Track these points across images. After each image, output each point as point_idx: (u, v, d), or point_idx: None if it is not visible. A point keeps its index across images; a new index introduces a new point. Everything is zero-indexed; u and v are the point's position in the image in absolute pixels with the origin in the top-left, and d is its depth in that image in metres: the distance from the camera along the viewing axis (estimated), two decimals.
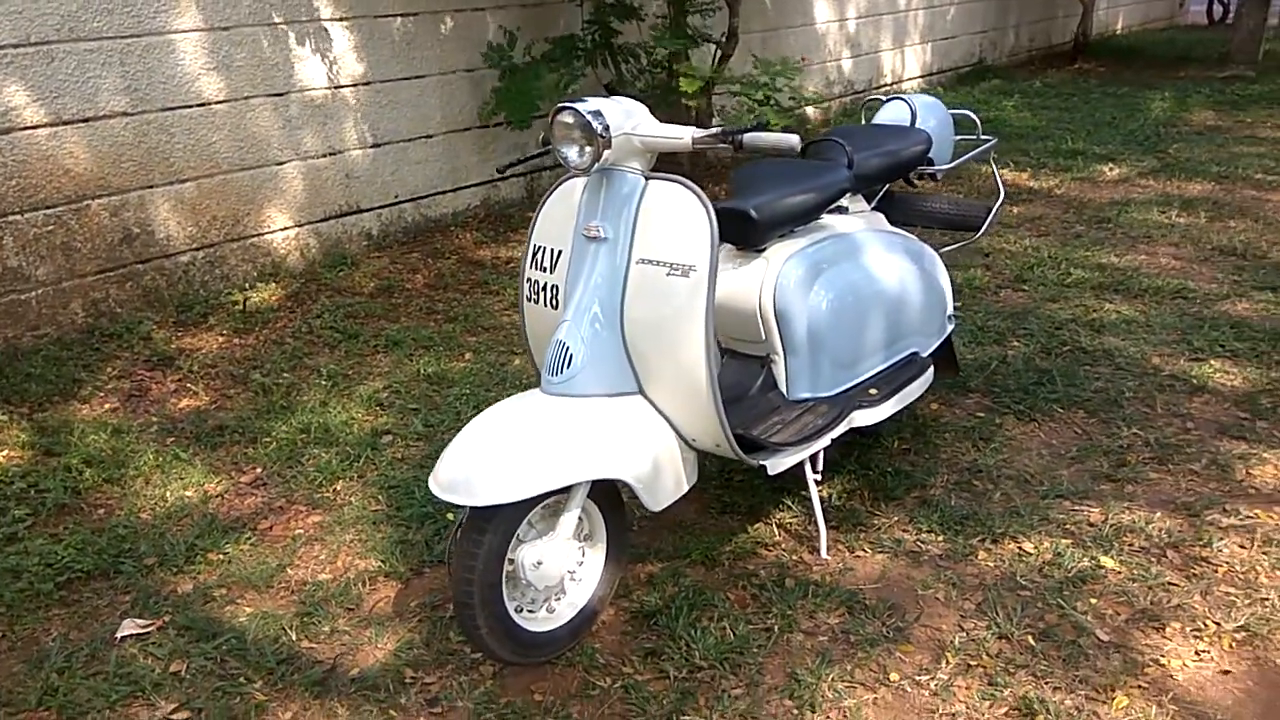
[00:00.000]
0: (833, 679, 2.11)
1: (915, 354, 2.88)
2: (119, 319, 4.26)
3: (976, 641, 2.21)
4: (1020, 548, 2.53)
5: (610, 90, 5.64)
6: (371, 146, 5.13)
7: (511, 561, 2.05)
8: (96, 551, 2.67)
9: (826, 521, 2.60)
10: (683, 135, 2.11)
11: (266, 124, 4.69)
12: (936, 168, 3.06)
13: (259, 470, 3.11)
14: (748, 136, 2.11)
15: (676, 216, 2.13)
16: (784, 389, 2.59)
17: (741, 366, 2.68)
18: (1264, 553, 2.45)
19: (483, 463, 1.96)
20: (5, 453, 3.25)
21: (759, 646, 2.22)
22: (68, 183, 4.08)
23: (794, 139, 2.08)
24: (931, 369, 2.88)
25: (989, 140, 3.23)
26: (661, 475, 2.19)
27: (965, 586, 2.39)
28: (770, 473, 2.37)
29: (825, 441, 2.49)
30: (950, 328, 3.07)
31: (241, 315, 4.34)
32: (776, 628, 2.28)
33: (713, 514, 2.75)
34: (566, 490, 2.09)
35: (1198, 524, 2.57)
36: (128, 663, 2.25)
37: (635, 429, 2.15)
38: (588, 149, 2.06)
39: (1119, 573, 2.40)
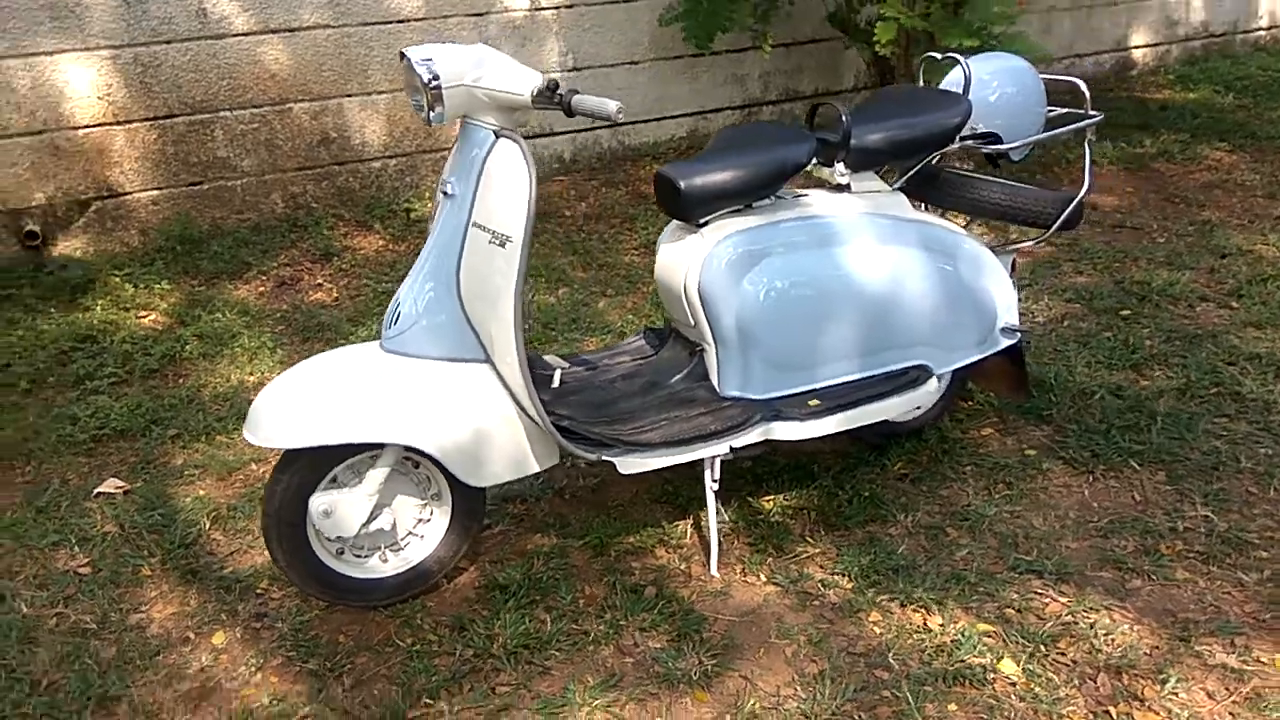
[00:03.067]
0: (596, 707, 1.92)
1: (922, 368, 2.44)
2: (313, 212, 4.77)
3: (780, 713, 1.89)
4: (925, 621, 2.10)
5: (839, 27, 5.19)
6: (571, 70, 5.18)
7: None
8: (141, 414, 3.08)
9: (746, 536, 2.33)
10: (521, 91, 1.93)
11: (465, 42, 4.88)
12: (1004, 146, 2.50)
13: None
14: (575, 99, 1.88)
15: (506, 180, 1.98)
16: (715, 382, 2.33)
17: (675, 351, 2.45)
18: (1231, 715, 1.82)
19: (280, 405, 1.99)
20: (151, 316, 3.82)
21: (560, 650, 2.07)
22: (272, 86, 4.57)
23: (612, 106, 1.84)
24: (931, 387, 2.43)
25: (1093, 116, 2.57)
26: (486, 452, 2.09)
27: (825, 648, 2.05)
28: (621, 470, 2.17)
29: (712, 450, 2.22)
30: (1005, 343, 2.55)
31: (405, 223, 4.66)
32: (595, 634, 2.11)
33: (645, 501, 2.57)
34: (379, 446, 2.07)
35: (1175, 653, 1.97)
36: (83, 515, 2.60)
37: (460, 399, 2.06)
38: (422, 100, 1.96)
39: (1012, 684, 1.91)
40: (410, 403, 2.02)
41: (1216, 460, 2.57)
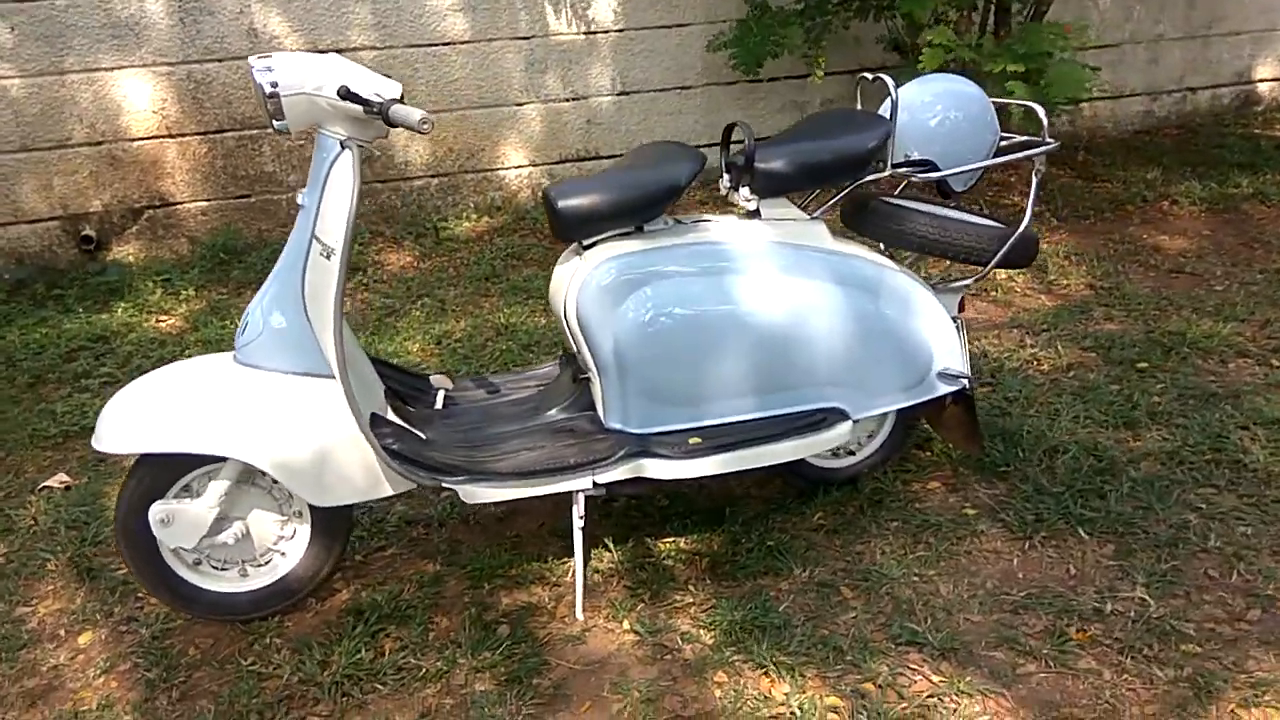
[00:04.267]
0: None
1: (835, 411, 2.24)
2: (357, 228, 4.88)
3: None
4: (770, 689, 1.90)
5: (900, 52, 4.95)
6: (619, 94, 5.14)
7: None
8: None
9: (629, 578, 2.21)
10: (371, 100, 1.88)
11: (509, 65, 4.94)
12: (939, 173, 2.28)
13: None
14: (392, 109, 1.82)
15: (337, 191, 1.94)
16: (600, 413, 2.21)
17: (564, 379, 2.34)
18: None
19: (124, 412, 2.00)
20: (169, 321, 3.99)
21: (386, 683, 1.99)
22: None
23: (415, 115, 1.77)
24: (842, 431, 2.23)
25: (1046, 144, 2.30)
26: (331, 472, 2.03)
27: (656, 708, 1.88)
28: (464, 500, 2.07)
29: (570, 484, 2.09)
30: (943, 389, 2.33)
31: (434, 241, 4.73)
32: (428, 670, 2.02)
33: (545, 535, 2.46)
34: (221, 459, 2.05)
35: None
36: (21, 506, 2.71)
37: (303, 415, 2.01)
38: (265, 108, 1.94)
39: None
40: (251, 416, 1.99)
41: (1181, 536, 2.25)
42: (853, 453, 2.56)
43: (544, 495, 2.11)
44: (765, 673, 1.94)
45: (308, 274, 1.99)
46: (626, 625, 2.12)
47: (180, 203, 4.72)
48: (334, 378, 2.03)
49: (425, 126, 1.81)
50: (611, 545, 2.37)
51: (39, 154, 4.45)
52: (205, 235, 4.72)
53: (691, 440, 2.15)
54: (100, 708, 1.99)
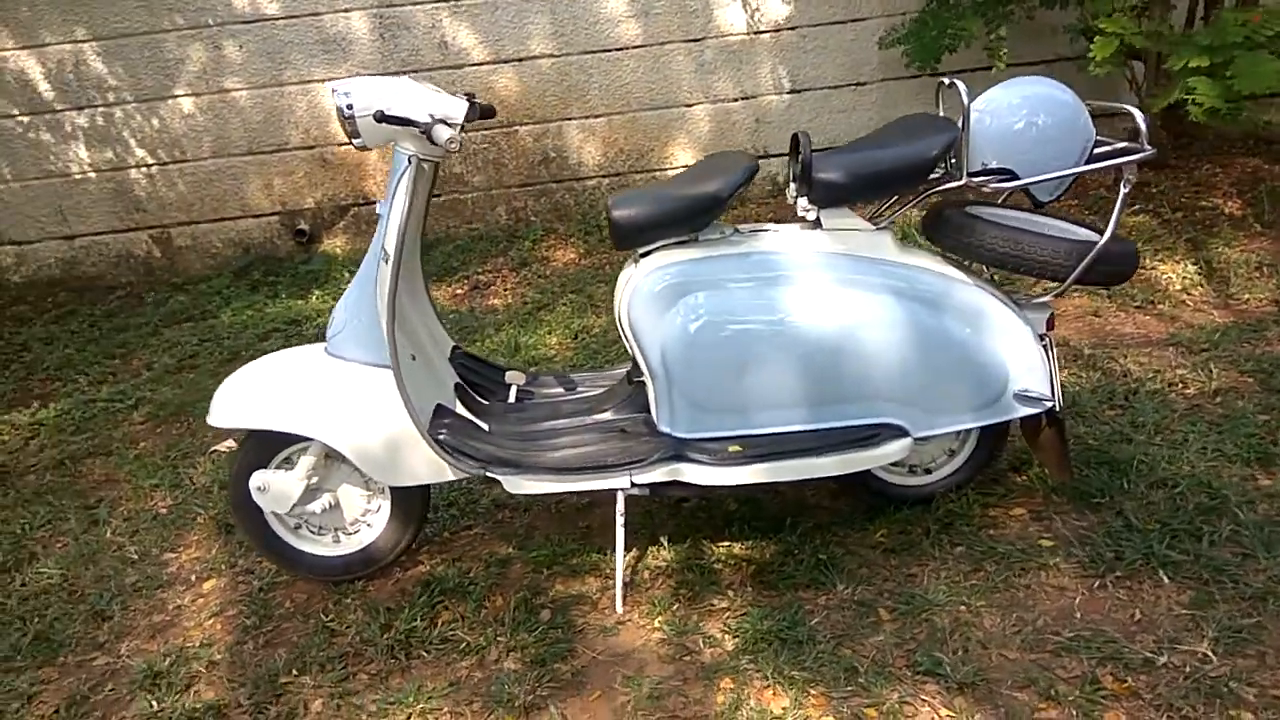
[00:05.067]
0: (416, 711, 2.01)
1: (891, 427, 2.21)
2: (531, 225, 5.21)
3: None
4: (769, 702, 1.91)
5: (1089, 39, 4.60)
6: (789, 92, 5.13)
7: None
8: None
9: (676, 577, 2.29)
10: (416, 120, 2.06)
11: (679, 67, 5.05)
12: (1017, 183, 2.16)
13: None
14: (434, 129, 1.98)
15: (397, 201, 2.12)
16: (654, 416, 2.29)
17: (626, 381, 2.43)
18: None
19: (230, 393, 2.29)
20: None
21: (431, 651, 2.18)
22: (501, 110, 5.06)
23: (444, 135, 1.91)
24: (896, 448, 2.19)
25: (1140, 151, 2.11)
26: (398, 455, 2.23)
27: (657, 706, 1.94)
28: (508, 490, 2.21)
29: (608, 483, 2.18)
30: (1022, 411, 2.24)
31: (600, 239, 4.93)
32: (470, 644, 2.18)
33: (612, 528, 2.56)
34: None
35: None
36: (191, 466, 3.15)
37: (376, 402, 2.23)
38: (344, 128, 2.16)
39: None
40: (332, 402, 2.23)
41: (1276, 591, 2.01)
42: (930, 471, 2.47)
43: (586, 491, 2.21)
44: (774, 686, 1.94)
45: (377, 276, 2.20)
46: (658, 623, 2.18)
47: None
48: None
49: (453, 146, 1.96)
50: (666, 544, 2.43)
51: (262, 157, 5.05)
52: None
53: (731, 448, 2.18)
54: (201, 645, 2.30)
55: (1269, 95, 3.37)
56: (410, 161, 2.14)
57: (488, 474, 2.21)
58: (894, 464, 2.44)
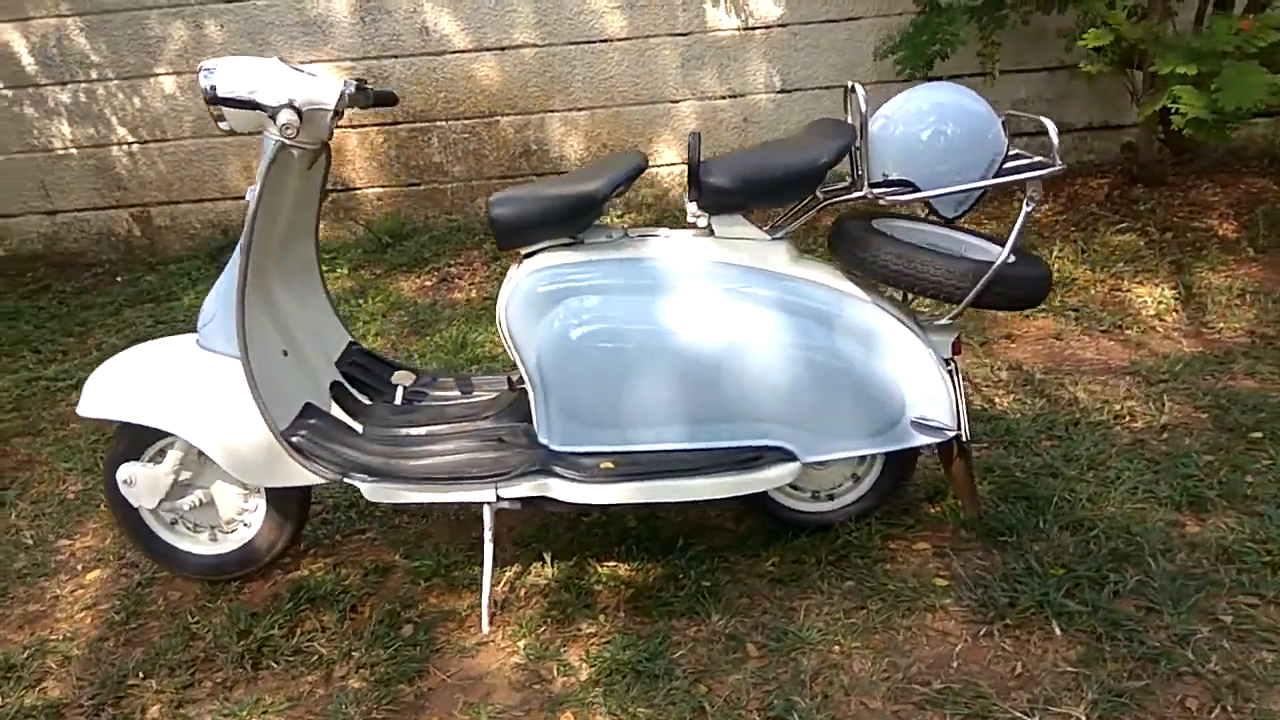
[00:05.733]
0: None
1: (776, 449, 2.08)
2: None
3: None
4: None
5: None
6: (779, 91, 4.98)
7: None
8: None
9: (554, 596, 2.19)
10: (262, 104, 1.97)
11: (666, 62, 4.92)
12: (917, 195, 2.01)
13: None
14: (278, 115, 1.88)
15: (257, 186, 2.04)
16: (535, 425, 2.18)
17: (510, 387, 2.33)
18: None
19: (99, 382, 2.22)
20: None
21: (280, 663, 2.09)
22: (483, 100, 4.98)
23: (281, 120, 1.81)
24: (781, 473, 2.06)
25: (1046, 166, 1.95)
26: (262, 454, 2.15)
27: None
28: (368, 498, 2.12)
29: (472, 495, 2.08)
30: (920, 440, 2.10)
31: None
32: (323, 657, 2.09)
33: (511, 540, 2.47)
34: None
35: None
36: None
37: (235, 399, 2.13)
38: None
39: None
40: (193, 396, 2.14)
41: (1174, 650, 1.85)
42: (832, 497, 2.33)
43: (449, 503, 2.11)
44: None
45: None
46: (521, 645, 2.07)
47: (359, 188, 5.13)
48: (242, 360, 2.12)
49: (288, 132, 1.87)
50: (550, 560, 2.32)
51: (241, 138, 5.01)
52: (378, 220, 5.10)
53: (603, 464, 2.06)
54: (64, 639, 2.24)
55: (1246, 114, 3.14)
56: (274, 146, 2.05)
57: (345, 479, 2.11)
58: (793, 487, 2.31)
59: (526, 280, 2.07)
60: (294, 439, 2.10)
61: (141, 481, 2.23)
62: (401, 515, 2.62)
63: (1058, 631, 1.94)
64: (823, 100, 4.96)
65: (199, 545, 2.37)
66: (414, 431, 2.24)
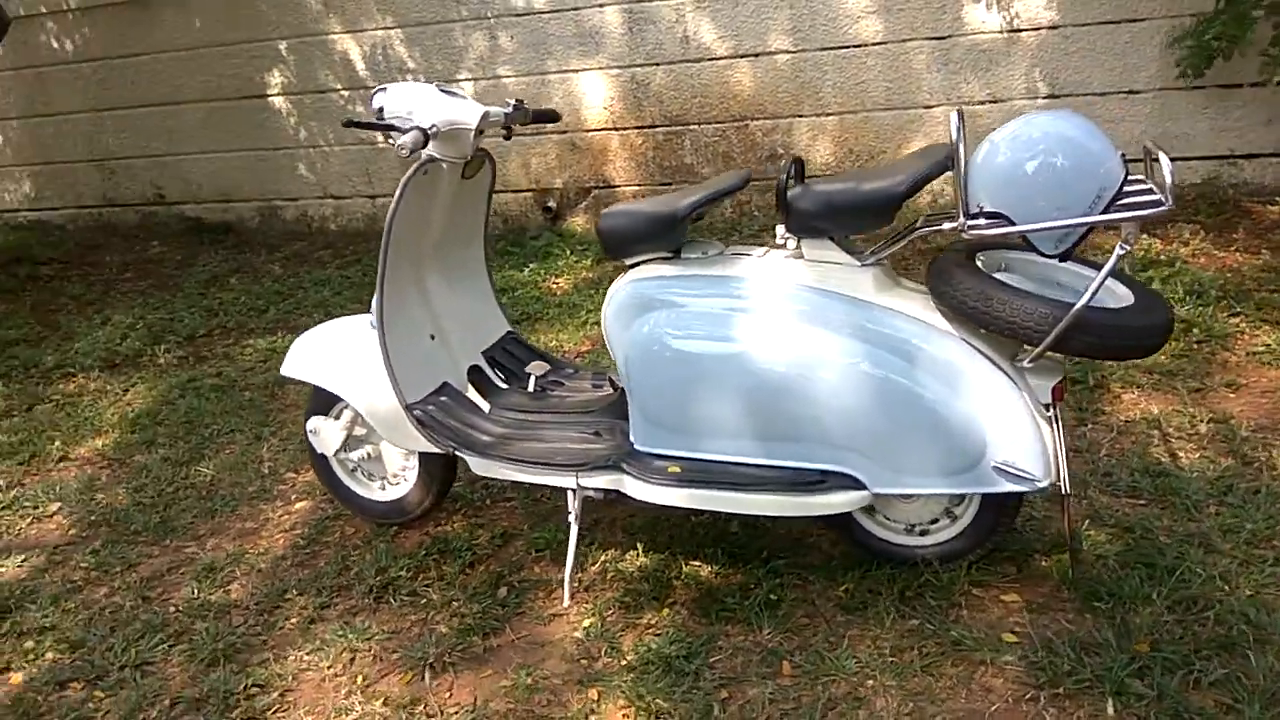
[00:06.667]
0: (344, 648, 2.27)
1: (843, 475, 2.11)
2: (755, 220, 5.27)
3: None
4: None
5: None
6: (1044, 97, 4.68)
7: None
8: None
9: (636, 584, 2.36)
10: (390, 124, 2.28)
11: (921, 66, 4.81)
12: (1010, 229, 1.92)
13: None
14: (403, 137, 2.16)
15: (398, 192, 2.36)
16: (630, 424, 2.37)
17: (613, 389, 2.51)
18: None
19: (297, 348, 2.68)
20: (561, 283, 4.80)
21: (396, 600, 2.43)
22: (735, 104, 5.15)
23: (404, 140, 2.08)
24: (847, 500, 2.09)
25: (1152, 206, 1.77)
26: (396, 421, 2.48)
27: (528, 694, 2.04)
28: (473, 469, 2.39)
29: (557, 480, 2.29)
30: (1005, 486, 2.04)
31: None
32: (428, 602, 2.41)
33: (644, 524, 2.63)
34: None
35: None
36: None
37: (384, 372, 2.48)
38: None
39: None
40: (358, 367, 2.53)
41: None
42: (925, 533, 2.27)
43: (539, 485, 2.33)
44: (629, 707, 1.96)
45: None
46: (586, 624, 2.25)
47: (618, 185, 5.51)
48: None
49: (402, 152, 2.14)
50: (643, 551, 2.47)
51: (522, 139, 5.57)
52: None
53: (670, 469, 2.18)
54: (258, 553, 2.75)
55: None
56: (421, 159, 2.35)
57: (457, 452, 2.40)
58: (885, 518, 2.28)
59: (624, 288, 2.24)
60: (417, 411, 2.42)
61: (324, 432, 2.67)
62: (542, 491, 2.88)
63: (1110, 711, 1.79)
64: (1095, 108, 4.57)
65: (371, 492, 2.79)
66: (529, 417, 2.48)
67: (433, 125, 2.25)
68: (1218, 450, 2.61)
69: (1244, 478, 2.46)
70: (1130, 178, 1.87)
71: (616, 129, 5.39)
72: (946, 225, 2.01)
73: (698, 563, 2.41)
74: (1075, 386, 3.04)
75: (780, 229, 2.15)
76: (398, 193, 2.33)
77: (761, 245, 2.28)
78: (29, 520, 3.09)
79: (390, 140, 2.40)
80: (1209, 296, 3.43)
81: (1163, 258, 3.80)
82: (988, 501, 2.17)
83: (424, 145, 2.20)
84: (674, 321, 2.16)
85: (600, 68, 5.27)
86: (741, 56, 5.03)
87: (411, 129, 2.20)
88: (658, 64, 5.18)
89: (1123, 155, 1.88)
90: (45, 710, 2.19)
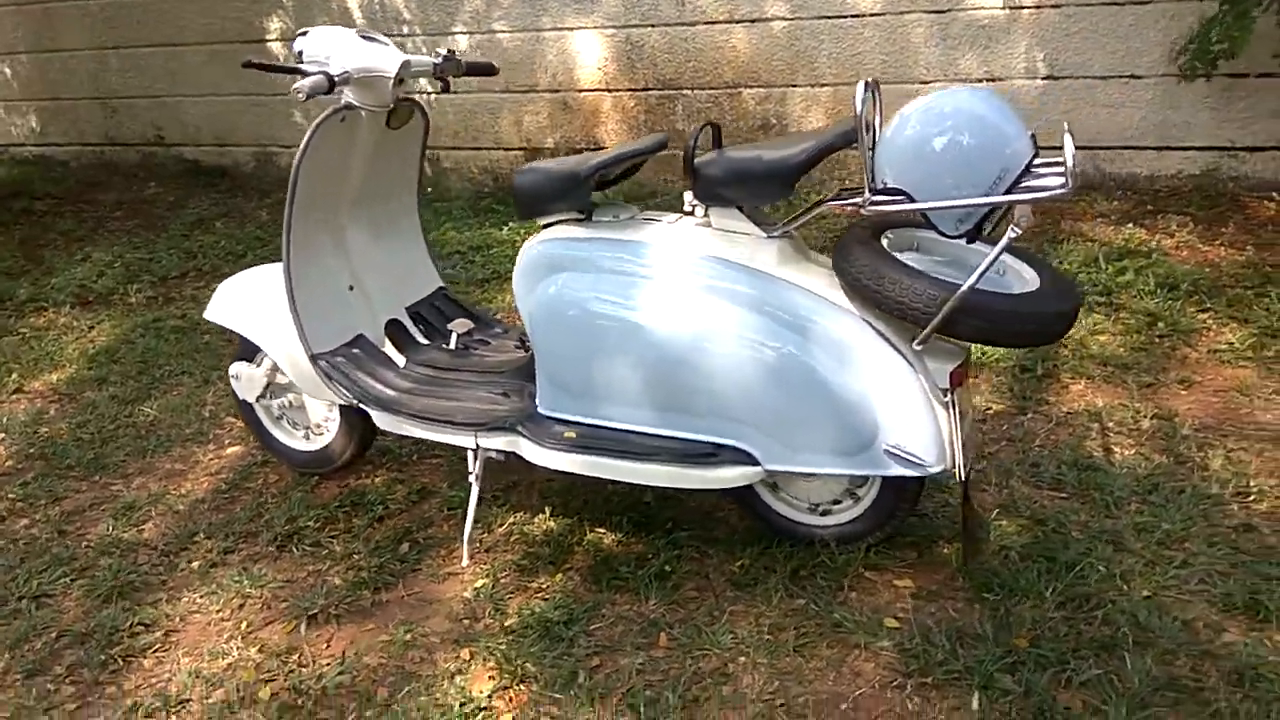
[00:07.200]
0: (235, 590, 2.27)
1: (736, 450, 2.06)
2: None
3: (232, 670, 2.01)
4: (473, 684, 1.90)
5: None
6: (1043, 78, 4.54)
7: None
8: None
9: (537, 547, 2.34)
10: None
11: (918, 40, 4.68)
12: (909, 207, 1.84)
13: None
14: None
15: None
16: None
17: (524, 350, 2.47)
18: None
19: (221, 293, 2.66)
20: None
21: (299, 550, 2.43)
22: (728, 70, 5.05)
23: (302, 85, 2.03)
24: (739, 474, 2.04)
25: (1048, 189, 1.69)
26: (306, 369, 2.45)
27: (401, 649, 2.03)
28: (376, 423, 2.36)
29: (456, 439, 2.26)
30: (895, 470, 1.98)
31: (791, 209, 4.77)
32: (329, 552, 2.40)
33: (562, 489, 2.60)
34: None
35: None
36: None
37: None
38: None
39: None
40: (273, 315, 2.50)
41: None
42: (828, 512, 2.22)
43: (440, 442, 2.30)
44: (496, 669, 1.94)
45: None
46: (479, 584, 2.23)
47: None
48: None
49: (298, 96, 2.09)
50: (550, 515, 2.44)
51: (515, 95, 5.50)
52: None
53: (566, 434, 2.14)
54: (179, 495, 2.75)
55: None
56: (339, 105, 2.31)
57: (360, 404, 2.38)
58: (789, 495, 2.23)
59: (533, 248, 2.19)
60: (323, 362, 2.39)
61: (245, 378, 2.66)
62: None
63: (974, 705, 1.74)
64: (1095, 92, 4.43)
65: (295, 441, 2.78)
66: (442, 374, 2.45)
67: (343, 71, 2.19)
68: (1154, 447, 2.53)
69: (1174, 477, 2.38)
70: (1042, 160, 1.79)
71: (609, 90, 5.30)
72: (850, 202, 1.93)
73: (603, 530, 2.38)
74: (1024, 374, 2.96)
75: (688, 195, 2.09)
76: (306, 136, 2.28)
77: (675, 212, 2.22)
78: None
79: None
80: (1180, 291, 3.32)
81: (1142, 249, 3.68)
82: (888, 484, 2.11)
83: (327, 91, 2.15)
84: (577, 284, 2.11)
85: (595, 26, 5.18)
86: (737, 21, 4.92)
87: (317, 73, 2.16)
88: (653, 25, 5.08)
89: (1033, 136, 1.79)
90: None
